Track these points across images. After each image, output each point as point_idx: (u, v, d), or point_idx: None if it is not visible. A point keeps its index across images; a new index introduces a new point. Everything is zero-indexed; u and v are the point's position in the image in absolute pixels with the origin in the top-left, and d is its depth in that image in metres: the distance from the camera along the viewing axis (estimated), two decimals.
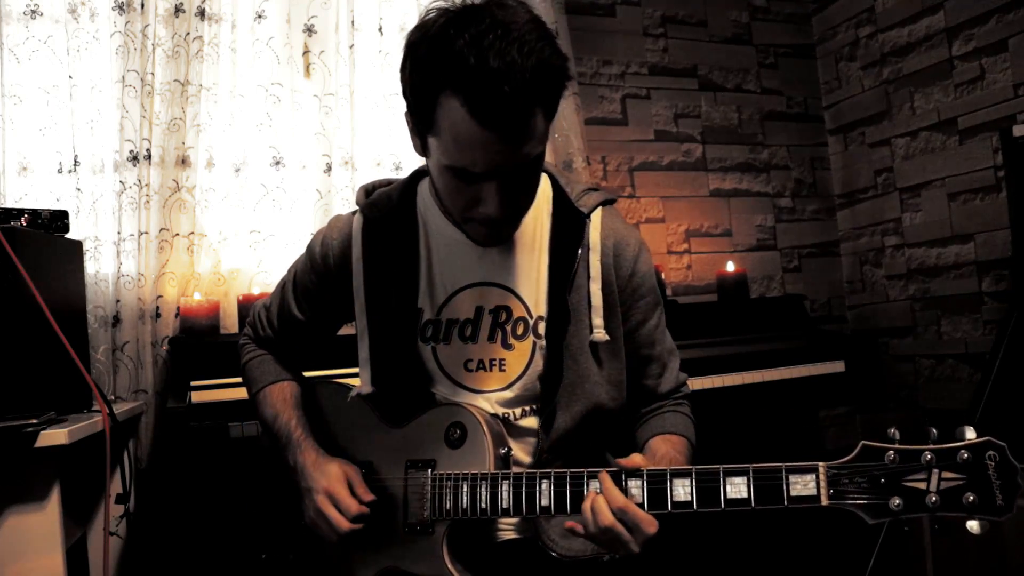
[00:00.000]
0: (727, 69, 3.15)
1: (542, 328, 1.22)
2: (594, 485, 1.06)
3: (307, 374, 1.42)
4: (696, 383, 2.25)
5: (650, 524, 1.01)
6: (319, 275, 1.30)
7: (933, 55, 2.81)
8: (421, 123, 1.07)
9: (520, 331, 1.22)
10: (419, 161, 1.23)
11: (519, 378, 1.22)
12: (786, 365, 2.42)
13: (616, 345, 1.24)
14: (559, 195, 1.25)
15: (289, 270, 1.37)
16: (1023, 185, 2.17)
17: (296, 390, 1.35)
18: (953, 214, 2.79)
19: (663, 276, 2.71)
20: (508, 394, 1.23)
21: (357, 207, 1.29)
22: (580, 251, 1.22)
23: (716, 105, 3.12)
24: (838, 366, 2.50)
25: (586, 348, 1.21)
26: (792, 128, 3.24)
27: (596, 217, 1.23)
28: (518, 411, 1.24)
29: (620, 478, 1.04)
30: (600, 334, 1.20)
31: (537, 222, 1.25)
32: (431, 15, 1.04)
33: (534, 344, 1.22)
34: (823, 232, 3.26)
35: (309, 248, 1.32)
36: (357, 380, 1.30)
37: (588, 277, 1.21)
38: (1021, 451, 0.94)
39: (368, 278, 1.24)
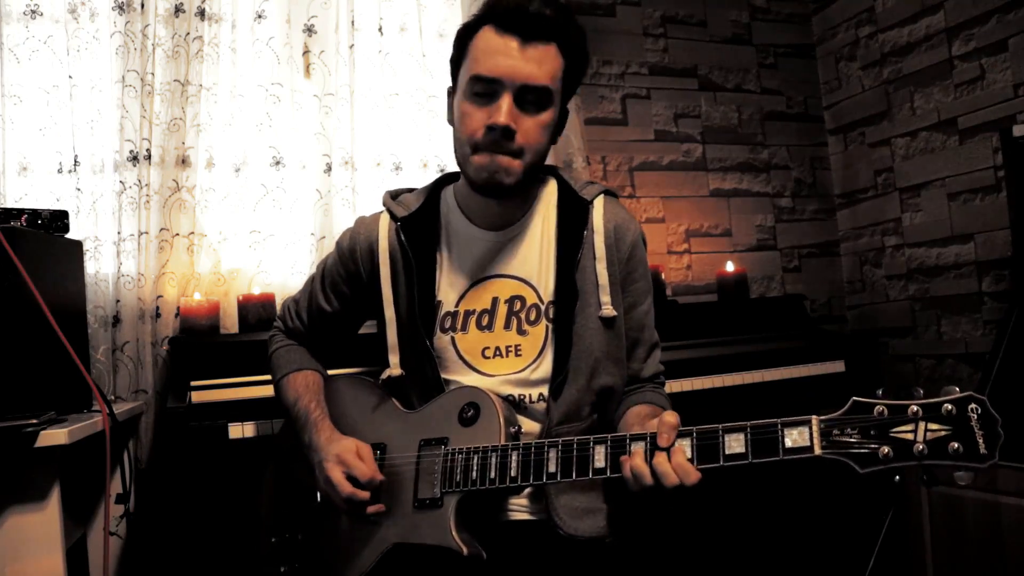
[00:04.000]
0: (727, 69, 3.15)
1: (553, 312, 1.29)
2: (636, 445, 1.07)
3: (329, 372, 1.47)
4: (696, 383, 2.25)
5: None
6: (347, 269, 1.40)
7: (933, 55, 2.81)
8: (458, 55, 1.27)
9: (533, 317, 1.31)
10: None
11: (534, 361, 1.29)
12: (786, 365, 2.41)
13: (619, 323, 1.32)
14: (564, 189, 1.36)
15: (318, 266, 1.47)
16: (1023, 185, 2.17)
17: (319, 379, 1.43)
18: (953, 214, 2.79)
19: (663, 276, 2.71)
20: (523, 376, 1.28)
21: (384, 207, 1.40)
22: (585, 233, 1.31)
23: (716, 105, 3.12)
24: (838, 366, 2.49)
25: (591, 325, 1.28)
26: (792, 128, 3.24)
27: (599, 203, 1.34)
28: (534, 393, 1.28)
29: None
30: (608, 309, 1.28)
31: (545, 217, 1.35)
32: None
33: (547, 328, 1.29)
34: (823, 232, 3.26)
35: (338, 244, 1.43)
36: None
37: (594, 258, 1.30)
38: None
39: (394, 271, 1.34)
